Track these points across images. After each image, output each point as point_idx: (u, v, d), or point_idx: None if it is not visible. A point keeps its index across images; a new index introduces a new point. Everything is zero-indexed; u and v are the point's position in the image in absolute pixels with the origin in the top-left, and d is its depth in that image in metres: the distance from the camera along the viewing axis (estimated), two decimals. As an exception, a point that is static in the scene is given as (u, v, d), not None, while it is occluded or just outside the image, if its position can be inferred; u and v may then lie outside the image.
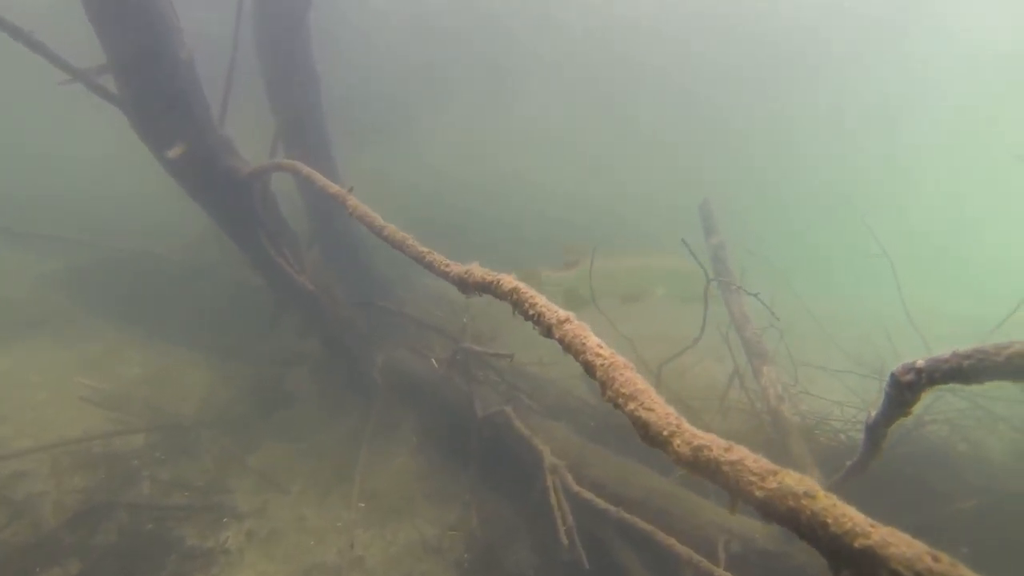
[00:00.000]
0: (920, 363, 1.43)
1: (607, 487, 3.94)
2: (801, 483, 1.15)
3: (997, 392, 4.99)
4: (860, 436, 5.45)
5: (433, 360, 5.43)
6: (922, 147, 23.41)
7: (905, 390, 1.52)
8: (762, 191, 19.08)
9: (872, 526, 1.06)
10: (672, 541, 2.89)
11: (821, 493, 1.13)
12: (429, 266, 3.05)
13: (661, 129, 17.64)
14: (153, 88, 3.98)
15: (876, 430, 2.17)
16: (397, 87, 15.42)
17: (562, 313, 1.88)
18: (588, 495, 3.38)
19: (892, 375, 1.56)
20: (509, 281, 2.25)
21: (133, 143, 4.39)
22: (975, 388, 5.55)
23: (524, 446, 4.26)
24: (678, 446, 1.33)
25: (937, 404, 5.73)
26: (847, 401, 6.11)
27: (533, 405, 4.79)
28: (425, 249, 3.19)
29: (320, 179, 4.12)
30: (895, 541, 1.02)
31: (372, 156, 13.87)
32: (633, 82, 16.99)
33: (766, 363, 4.47)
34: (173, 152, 3.80)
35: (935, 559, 0.99)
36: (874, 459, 2.57)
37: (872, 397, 6.09)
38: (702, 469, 1.29)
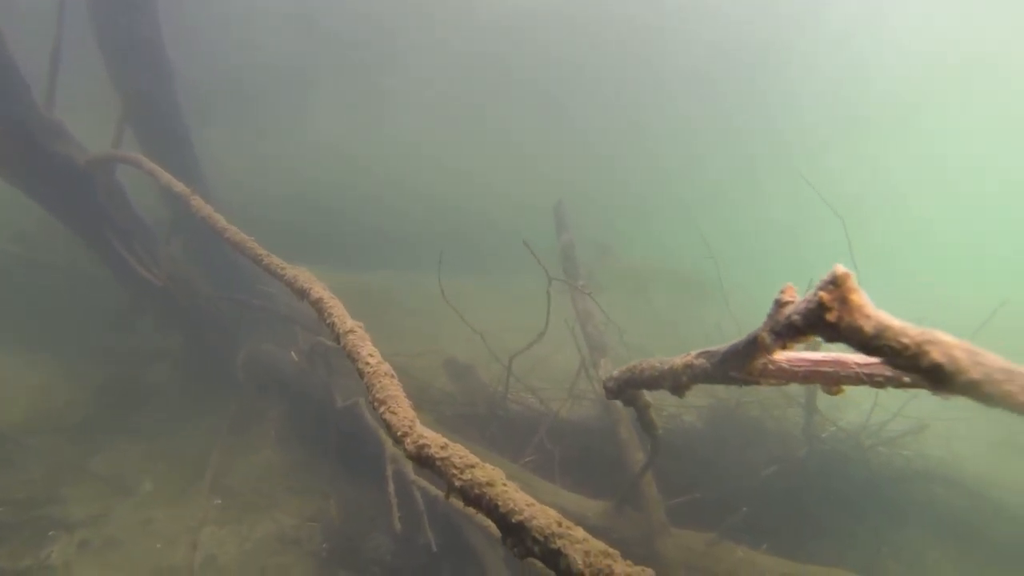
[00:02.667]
0: (616, 373, 1.77)
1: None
2: (486, 475, 1.43)
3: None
4: (688, 419, 6.09)
5: (293, 353, 5.42)
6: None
7: (610, 392, 1.85)
8: (632, 197, 20.49)
9: (528, 505, 1.36)
10: (488, 523, 3.21)
11: (499, 482, 1.42)
12: (267, 268, 3.13)
13: (527, 135, 18.38)
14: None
15: (644, 427, 2.57)
16: (284, 65, 14.78)
17: (349, 323, 2.08)
18: (423, 483, 3.62)
19: (604, 383, 1.88)
20: (318, 291, 2.42)
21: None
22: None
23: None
24: (407, 444, 1.58)
25: (756, 391, 6.58)
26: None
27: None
28: (263, 252, 3.27)
29: (164, 176, 4.00)
30: (539, 515, 1.32)
31: (264, 139, 13.34)
32: (503, 88, 17.50)
33: (604, 355, 4.95)
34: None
35: (559, 524, 1.30)
36: (658, 450, 3.03)
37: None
38: (424, 462, 1.55)
